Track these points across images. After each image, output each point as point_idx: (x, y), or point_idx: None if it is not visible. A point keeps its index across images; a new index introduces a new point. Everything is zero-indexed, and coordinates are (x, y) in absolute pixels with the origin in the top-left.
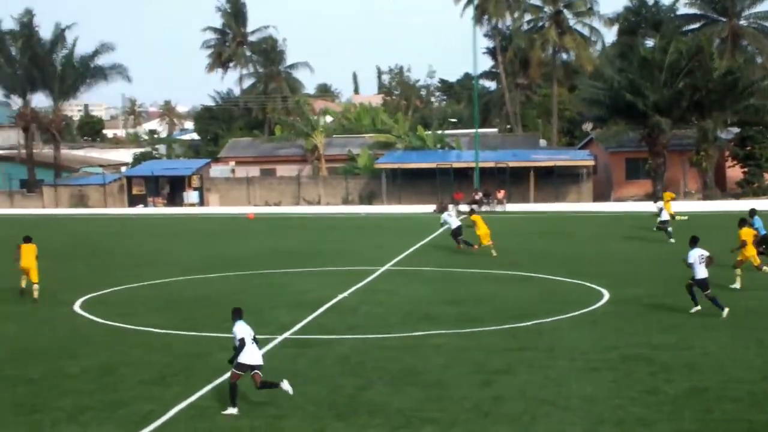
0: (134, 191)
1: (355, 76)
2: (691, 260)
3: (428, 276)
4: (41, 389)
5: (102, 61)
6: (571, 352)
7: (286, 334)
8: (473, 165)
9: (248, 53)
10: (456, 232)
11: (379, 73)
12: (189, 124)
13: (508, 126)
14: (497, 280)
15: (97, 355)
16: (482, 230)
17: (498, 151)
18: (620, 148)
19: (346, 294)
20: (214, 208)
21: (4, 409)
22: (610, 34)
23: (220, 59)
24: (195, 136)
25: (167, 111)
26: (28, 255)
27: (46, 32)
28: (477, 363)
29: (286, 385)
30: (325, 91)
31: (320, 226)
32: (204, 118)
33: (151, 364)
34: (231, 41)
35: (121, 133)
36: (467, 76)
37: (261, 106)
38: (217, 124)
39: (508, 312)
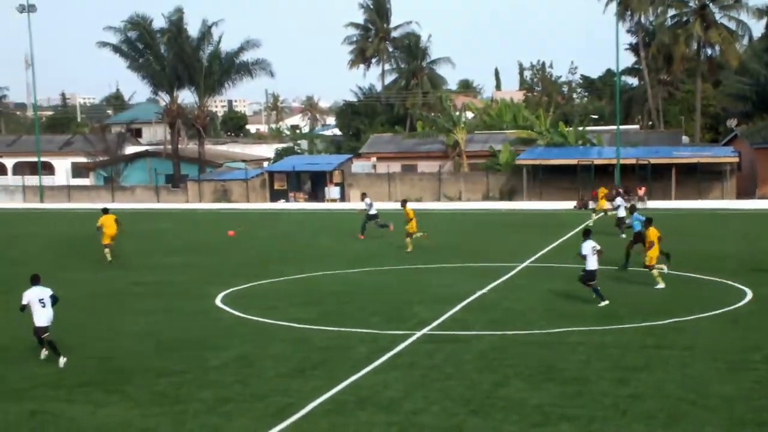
0: (276, 186)
1: (497, 72)
2: (584, 252)
3: (568, 273)
4: (184, 381)
5: (246, 57)
6: (711, 351)
7: (425, 330)
8: (614, 162)
9: (391, 49)
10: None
11: (521, 69)
12: (331, 120)
13: (650, 122)
14: (636, 277)
15: (238, 348)
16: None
17: (639, 147)
18: (766, 144)
19: (485, 290)
20: (356, 203)
21: (148, 400)
22: (758, 27)
23: (362, 55)
24: (337, 131)
25: (309, 106)
26: (111, 224)
27: (193, 29)
28: (615, 360)
29: (62, 361)
30: (466, 87)
31: (460, 221)
32: (346, 113)
33: (291, 358)
34: (374, 37)
35: (263, 128)
36: (609, 72)
37: (402, 101)
38: (359, 119)
39: (647, 309)
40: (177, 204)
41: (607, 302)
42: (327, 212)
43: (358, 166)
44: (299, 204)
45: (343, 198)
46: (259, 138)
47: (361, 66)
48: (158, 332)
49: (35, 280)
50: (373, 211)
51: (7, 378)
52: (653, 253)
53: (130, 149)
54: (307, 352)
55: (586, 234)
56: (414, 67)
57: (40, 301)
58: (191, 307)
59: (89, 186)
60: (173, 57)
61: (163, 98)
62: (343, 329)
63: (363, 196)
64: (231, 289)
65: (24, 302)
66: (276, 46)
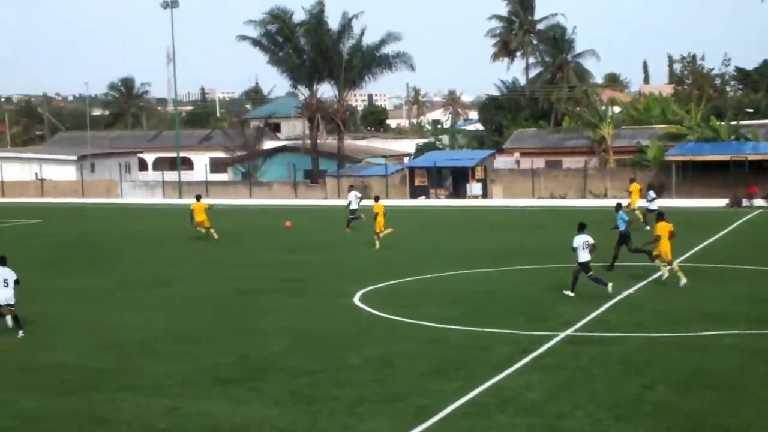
0: (416, 182)
1: (645, 65)
2: (575, 245)
3: (720, 273)
4: (321, 380)
5: (387, 50)
6: None
7: (569, 331)
8: None
9: (535, 42)
10: None
11: (671, 61)
12: (473, 114)
13: None
14: None
15: (375, 347)
16: None
17: None
18: None
19: (631, 290)
20: (498, 200)
21: (284, 398)
22: None
23: (506, 48)
24: (479, 126)
25: (451, 100)
26: (200, 211)
27: (333, 22)
28: None
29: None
30: (613, 80)
31: (605, 219)
32: (489, 108)
33: (430, 358)
34: (517, 29)
35: (404, 123)
36: (766, 63)
37: (547, 95)
38: (502, 114)
39: None
40: (315, 200)
41: (572, 295)
42: (468, 209)
43: (501, 161)
44: (440, 201)
45: (485, 195)
46: (400, 133)
47: (505, 59)
48: (295, 330)
49: (2, 262)
50: (354, 207)
51: (147, 373)
52: (664, 247)
53: (268, 144)
54: (446, 352)
55: (581, 228)
56: (559, 61)
57: (5, 281)
58: (329, 305)
59: (227, 181)
60: (313, 50)
61: (303, 92)
62: (483, 329)
63: (350, 188)
64: (369, 287)
65: None
66: (417, 39)
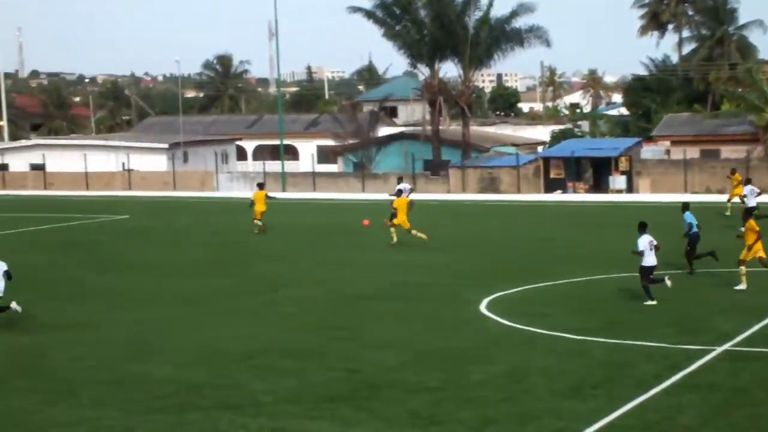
0: (552, 175)
1: None
2: (641, 247)
3: None
4: (442, 398)
5: (519, 23)
6: None
7: (727, 345)
8: None
9: (690, 12)
10: None
11: None
12: (617, 97)
13: None
14: None
15: (504, 361)
16: None
17: None
18: None
19: None
20: (645, 195)
21: (399, 419)
22: None
23: (656, 20)
24: (623, 110)
25: (592, 81)
26: (260, 200)
27: None
28: None
29: (14, 305)
30: None
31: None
32: (634, 89)
33: (566, 374)
34: None
35: (537, 107)
36: None
37: (704, 75)
38: (651, 96)
39: None
40: (436, 194)
41: (654, 303)
42: (611, 205)
43: (649, 151)
44: (579, 195)
45: (630, 189)
46: (533, 119)
47: (654, 33)
48: (413, 342)
49: None
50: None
51: (249, 389)
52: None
53: (383, 131)
54: (584, 368)
55: (642, 228)
56: (719, 34)
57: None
58: (451, 313)
59: (336, 173)
60: (434, 23)
61: (422, 72)
62: (626, 342)
63: (399, 180)
64: (497, 294)
65: None
66: (553, 10)
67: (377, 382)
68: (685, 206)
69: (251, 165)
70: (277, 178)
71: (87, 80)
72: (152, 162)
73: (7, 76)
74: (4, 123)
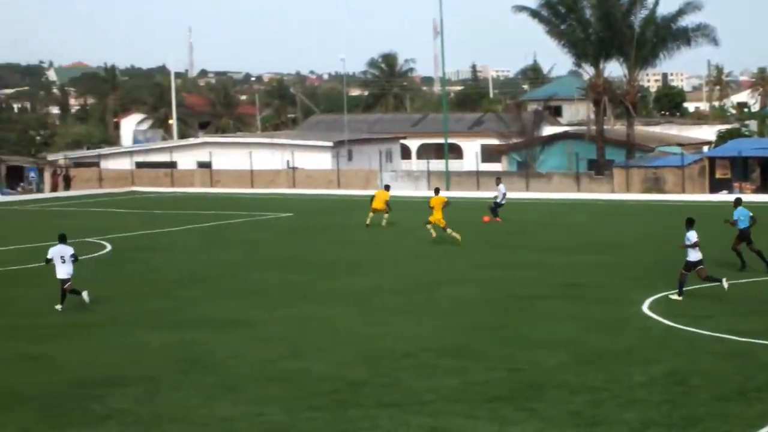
0: (718, 175)
1: None
2: (694, 239)
3: None
4: (603, 398)
5: (685, 22)
6: None
7: None
8: None
9: None
10: None
11: None
12: None
13: None
14: None
15: (667, 362)
16: None
17: None
18: None
19: None
20: None
21: (561, 419)
22: None
23: None
24: None
25: (761, 80)
26: (380, 199)
27: None
28: None
29: (85, 294)
30: None
31: None
32: None
33: (730, 377)
34: None
35: (704, 106)
36: None
37: None
38: None
39: None
40: (600, 194)
41: (680, 298)
42: None
43: None
44: (745, 196)
45: None
46: (699, 118)
47: None
48: (574, 342)
49: (62, 239)
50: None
51: (407, 387)
52: None
53: (547, 130)
54: (750, 371)
55: (690, 223)
56: None
57: (62, 257)
58: (612, 313)
59: (500, 172)
60: (600, 22)
61: (587, 71)
62: None
63: (498, 180)
64: (659, 294)
65: (48, 257)
66: (721, 8)
67: (538, 382)
68: (738, 201)
69: (415, 164)
70: (441, 177)
71: (253, 79)
72: (317, 160)
73: (177, 75)
74: (173, 121)
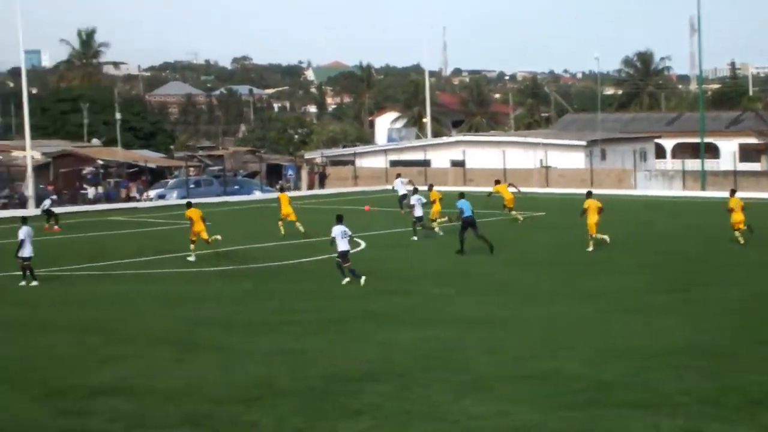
0: None
1: None
2: (333, 234)
3: None
4: None
5: None
6: None
7: None
8: None
9: None
10: None
11: None
12: None
13: None
14: None
15: None
16: None
17: None
18: None
19: None
20: None
21: None
22: None
23: None
24: None
25: None
26: (594, 210)
27: None
28: None
29: (362, 280)
30: None
31: None
32: None
33: None
34: None
35: None
36: None
37: None
38: None
39: None
40: None
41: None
42: None
43: None
44: None
45: None
46: None
47: None
48: None
49: (339, 220)
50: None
51: (662, 389)
52: None
53: None
54: None
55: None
56: None
57: (343, 233)
58: None
59: (759, 171)
60: None
61: None
62: None
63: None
64: None
65: (332, 235)
66: None
67: None
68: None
69: (670, 163)
70: (697, 177)
71: (507, 77)
72: (570, 159)
73: (431, 74)
74: (427, 120)
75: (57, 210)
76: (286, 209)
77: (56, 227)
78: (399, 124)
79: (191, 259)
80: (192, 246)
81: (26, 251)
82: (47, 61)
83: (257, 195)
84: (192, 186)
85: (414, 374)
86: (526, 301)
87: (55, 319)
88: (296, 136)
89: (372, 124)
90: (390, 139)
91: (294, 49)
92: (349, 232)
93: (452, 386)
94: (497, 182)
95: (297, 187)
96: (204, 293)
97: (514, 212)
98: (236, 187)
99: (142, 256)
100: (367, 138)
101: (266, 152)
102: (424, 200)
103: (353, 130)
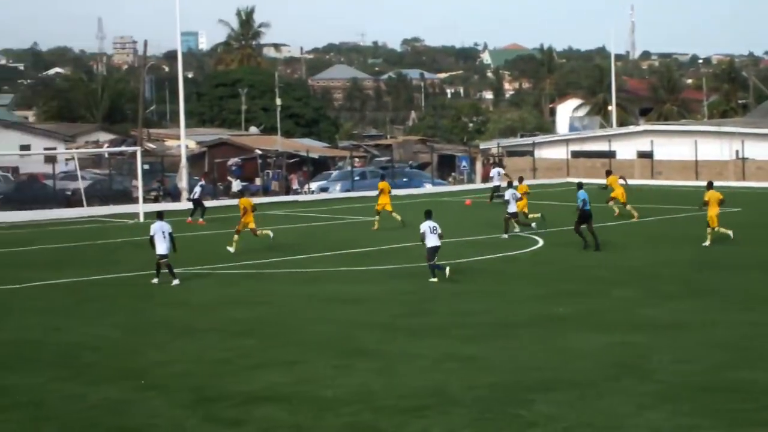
0: None
1: None
2: (422, 230)
3: None
4: None
5: None
6: None
7: None
8: None
9: None
10: None
11: None
12: None
13: None
14: None
15: None
16: None
17: None
18: None
19: None
20: None
21: None
22: None
23: None
24: None
25: None
26: (714, 201)
27: None
28: None
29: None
30: None
31: None
32: None
33: None
34: None
35: None
36: None
37: None
38: None
39: None
40: None
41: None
42: None
43: None
44: None
45: None
46: None
47: None
48: None
49: (428, 215)
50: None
51: None
52: None
53: None
54: None
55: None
56: None
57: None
58: None
59: None
60: None
61: None
62: None
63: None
64: None
65: (421, 231)
66: None
67: None
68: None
69: None
70: None
71: (700, 61)
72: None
73: (617, 57)
74: (612, 108)
75: (207, 203)
76: (384, 199)
77: (200, 220)
78: (582, 112)
79: (230, 249)
80: (235, 237)
81: (161, 248)
82: (204, 44)
83: (427, 188)
84: (357, 178)
85: (594, 383)
86: (723, 306)
87: (205, 321)
88: (471, 125)
89: (552, 112)
90: (572, 128)
91: (468, 30)
92: (439, 229)
93: (636, 396)
94: (608, 173)
95: (471, 180)
96: (366, 294)
97: (629, 206)
98: (404, 179)
99: (297, 254)
100: (548, 127)
101: (438, 142)
102: (519, 196)
103: (532, 118)
